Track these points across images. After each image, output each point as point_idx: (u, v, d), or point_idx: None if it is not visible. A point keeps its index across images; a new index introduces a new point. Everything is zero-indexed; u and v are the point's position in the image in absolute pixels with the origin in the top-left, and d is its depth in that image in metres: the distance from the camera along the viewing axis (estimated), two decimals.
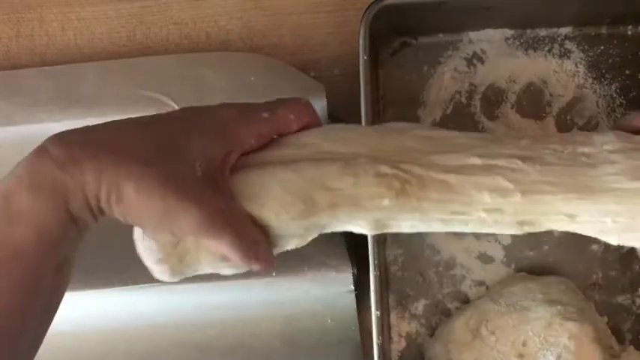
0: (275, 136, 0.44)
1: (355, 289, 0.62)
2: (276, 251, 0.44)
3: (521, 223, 0.44)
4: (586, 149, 0.44)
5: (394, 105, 0.66)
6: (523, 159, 0.43)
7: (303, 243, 0.44)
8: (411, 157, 0.43)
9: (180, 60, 0.66)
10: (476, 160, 0.43)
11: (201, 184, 0.39)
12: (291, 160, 0.42)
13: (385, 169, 0.42)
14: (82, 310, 0.62)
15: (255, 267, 0.42)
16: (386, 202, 0.42)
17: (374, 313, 0.58)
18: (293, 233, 0.43)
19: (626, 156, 0.43)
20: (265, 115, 0.43)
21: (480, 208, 0.43)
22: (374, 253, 0.58)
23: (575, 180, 0.42)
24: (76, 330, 0.63)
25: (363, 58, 0.59)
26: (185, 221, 0.38)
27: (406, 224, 0.44)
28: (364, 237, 0.57)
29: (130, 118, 0.41)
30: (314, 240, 0.45)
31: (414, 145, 0.44)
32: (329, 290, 0.62)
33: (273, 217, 0.41)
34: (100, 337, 0.64)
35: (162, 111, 0.44)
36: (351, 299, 0.62)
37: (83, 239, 0.40)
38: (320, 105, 0.61)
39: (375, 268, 0.58)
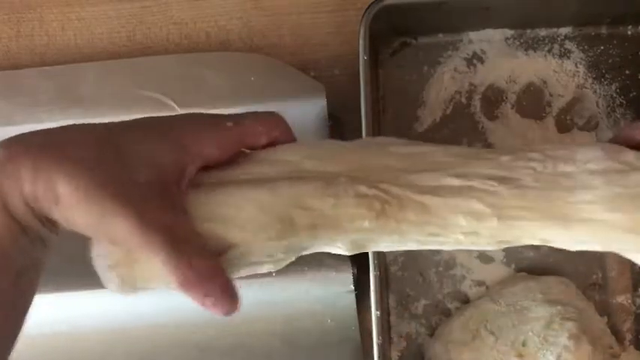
0: (247, 151, 0.42)
1: (355, 289, 0.62)
2: (241, 274, 0.41)
3: (498, 243, 0.43)
4: (567, 168, 0.42)
5: (394, 105, 0.66)
6: (500, 180, 0.41)
7: (278, 267, 0.42)
8: (389, 177, 0.41)
9: (180, 60, 0.66)
10: (452, 181, 0.41)
11: (146, 193, 0.37)
12: (262, 177, 0.41)
13: (364, 189, 0.40)
14: (82, 310, 0.62)
15: (201, 297, 0.38)
16: (366, 223, 0.40)
17: (374, 313, 0.58)
18: (267, 257, 0.41)
19: (607, 180, 0.41)
20: (229, 124, 0.41)
21: (458, 231, 0.42)
22: (374, 253, 0.58)
23: (551, 205, 0.41)
24: (76, 330, 0.63)
25: (363, 58, 0.59)
26: (120, 227, 0.36)
27: (384, 245, 0.43)
28: None
29: (88, 123, 0.39)
30: None
31: (394, 163, 0.42)
32: (329, 290, 0.62)
33: (250, 237, 0.39)
34: (100, 337, 0.64)
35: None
36: (351, 299, 0.62)
37: (37, 250, 0.38)
38: (320, 105, 0.61)
39: (375, 268, 0.58)
